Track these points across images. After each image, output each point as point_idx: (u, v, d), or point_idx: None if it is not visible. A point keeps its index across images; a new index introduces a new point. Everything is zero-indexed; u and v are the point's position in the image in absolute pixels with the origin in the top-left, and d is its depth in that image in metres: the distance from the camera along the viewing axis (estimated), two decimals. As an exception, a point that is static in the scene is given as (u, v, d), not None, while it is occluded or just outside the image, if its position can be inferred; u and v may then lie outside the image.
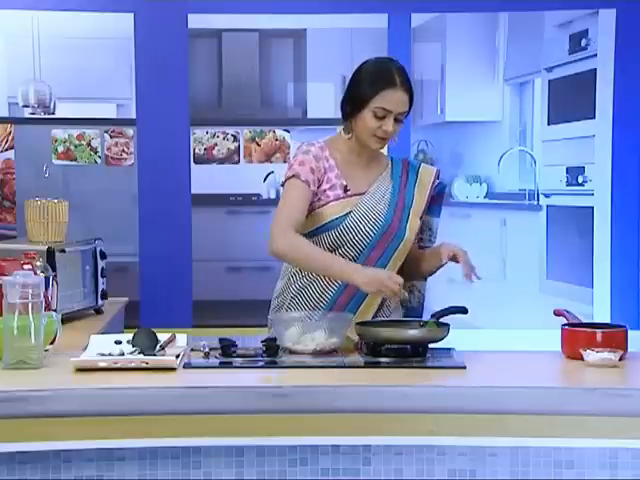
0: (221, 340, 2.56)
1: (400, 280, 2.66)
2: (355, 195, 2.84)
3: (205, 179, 4.83)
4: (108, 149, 4.76)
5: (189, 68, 4.76)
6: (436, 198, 2.99)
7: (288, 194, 2.82)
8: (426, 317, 2.84)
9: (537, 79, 5.29)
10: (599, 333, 2.54)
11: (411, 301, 2.98)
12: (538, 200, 5.13)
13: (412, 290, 2.98)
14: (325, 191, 2.83)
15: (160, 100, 4.70)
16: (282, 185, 2.89)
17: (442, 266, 2.86)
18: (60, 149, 4.75)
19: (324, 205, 2.82)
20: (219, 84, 4.89)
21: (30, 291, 2.37)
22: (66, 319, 3.11)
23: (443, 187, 3.02)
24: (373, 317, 2.84)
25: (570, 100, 5.00)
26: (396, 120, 2.79)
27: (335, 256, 2.80)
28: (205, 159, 4.82)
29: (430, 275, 2.97)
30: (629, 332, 2.58)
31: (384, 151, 2.99)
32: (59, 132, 4.76)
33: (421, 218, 2.90)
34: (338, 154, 2.88)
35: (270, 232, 2.78)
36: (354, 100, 2.81)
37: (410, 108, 2.83)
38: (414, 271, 2.92)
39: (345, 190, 2.84)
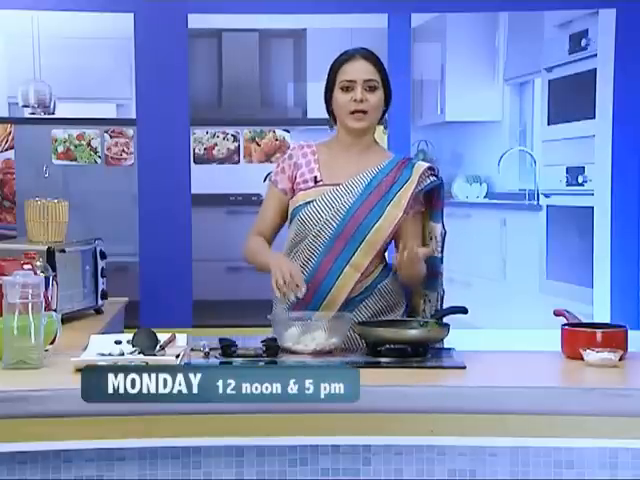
0: (221, 340, 2.56)
1: (287, 278, 2.65)
2: (327, 185, 2.85)
3: (205, 179, 4.83)
4: (108, 149, 4.76)
5: (189, 68, 4.76)
6: (431, 199, 2.90)
7: (264, 198, 3.00)
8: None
9: (537, 79, 5.30)
10: (599, 333, 2.54)
11: (425, 311, 2.92)
12: (538, 200, 5.14)
13: (426, 300, 2.93)
14: (299, 184, 2.88)
15: (160, 100, 4.70)
16: None
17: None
18: (60, 149, 4.75)
19: (294, 196, 2.88)
20: (219, 84, 4.89)
21: (30, 291, 2.37)
22: (66, 319, 3.11)
23: (437, 184, 2.88)
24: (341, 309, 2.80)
25: (570, 100, 5.00)
26: (370, 90, 2.81)
27: (266, 250, 2.87)
28: (205, 159, 4.82)
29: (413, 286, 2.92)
30: (629, 332, 2.58)
31: (384, 144, 2.98)
32: (59, 132, 4.76)
33: (407, 212, 2.82)
34: (326, 150, 2.91)
35: None
36: (326, 89, 2.88)
37: (386, 80, 2.85)
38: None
39: (315, 182, 2.86)
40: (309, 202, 2.83)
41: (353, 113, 2.82)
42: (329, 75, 2.88)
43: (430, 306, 2.93)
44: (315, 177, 2.86)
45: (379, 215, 2.81)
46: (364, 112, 2.82)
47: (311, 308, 2.79)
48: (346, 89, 2.82)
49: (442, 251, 2.92)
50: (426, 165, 2.90)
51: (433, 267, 2.88)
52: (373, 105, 2.82)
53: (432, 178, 2.88)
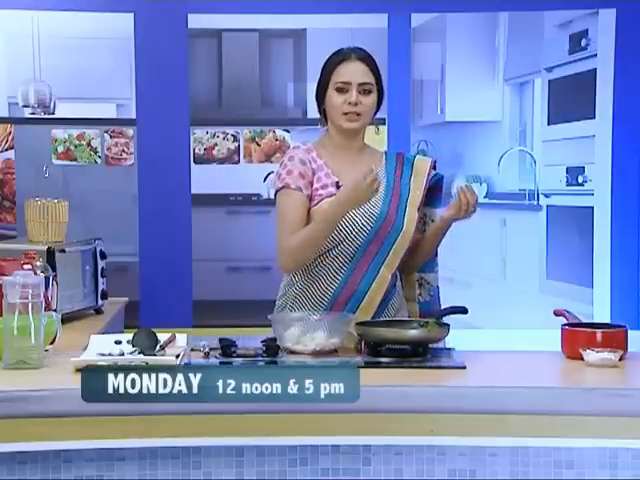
0: (221, 340, 2.56)
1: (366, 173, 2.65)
2: None
3: (205, 179, 4.83)
4: (108, 149, 4.76)
5: (189, 68, 4.76)
6: (435, 189, 2.96)
7: (283, 206, 2.83)
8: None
9: (537, 79, 5.29)
10: (599, 333, 2.54)
11: (422, 295, 2.97)
12: (538, 200, 5.13)
13: (422, 283, 2.98)
14: (317, 190, 2.84)
15: (160, 100, 4.70)
16: (275, 196, 2.89)
17: (444, 233, 2.87)
18: (60, 149, 4.75)
19: (317, 204, 2.83)
20: (219, 84, 4.89)
21: (30, 291, 2.37)
22: (66, 319, 3.11)
23: (440, 178, 2.97)
24: (377, 316, 2.83)
25: (570, 100, 5.00)
26: (364, 92, 2.81)
27: (319, 218, 2.77)
28: (205, 159, 4.82)
29: (430, 254, 2.95)
30: (629, 332, 2.58)
31: (374, 144, 2.99)
32: (59, 132, 4.76)
33: (419, 209, 2.88)
34: (326, 153, 2.90)
35: (277, 252, 2.82)
36: (319, 88, 2.88)
37: (379, 81, 2.85)
38: (416, 258, 2.93)
39: (337, 187, 2.84)
40: None
41: (346, 114, 2.82)
42: (323, 74, 2.88)
43: (428, 288, 2.96)
44: (337, 182, 2.84)
45: (403, 215, 2.85)
46: (358, 114, 2.82)
47: (348, 311, 2.80)
48: (341, 90, 2.82)
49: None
50: (430, 160, 2.96)
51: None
52: (367, 108, 2.83)
53: (433, 171, 2.95)
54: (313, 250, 2.80)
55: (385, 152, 2.98)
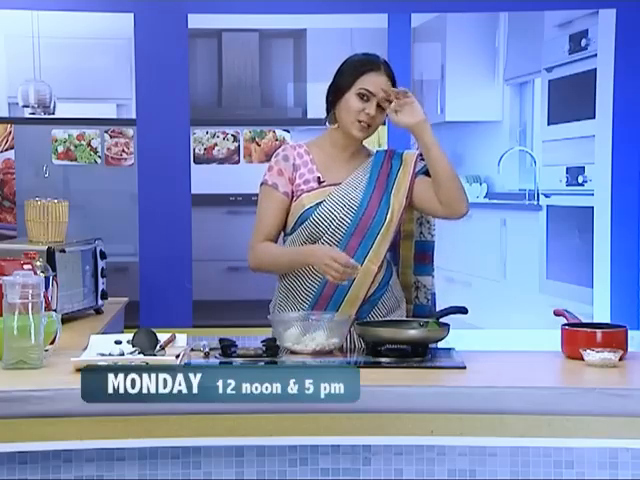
0: (221, 340, 2.56)
1: (343, 260, 2.64)
2: (330, 185, 2.86)
3: (205, 179, 4.83)
4: (108, 149, 4.77)
5: (189, 68, 4.76)
6: None
7: (260, 203, 2.93)
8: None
9: (537, 79, 5.30)
10: (599, 333, 2.54)
11: (419, 297, 2.97)
12: (538, 200, 5.14)
13: (418, 287, 2.97)
14: (300, 186, 2.86)
15: (160, 100, 4.70)
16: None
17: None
18: (60, 149, 4.75)
19: (297, 198, 2.86)
20: (219, 84, 4.89)
21: (30, 291, 2.37)
22: (66, 319, 3.11)
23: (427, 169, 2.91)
24: (364, 312, 2.81)
25: (570, 100, 5.00)
26: (379, 107, 2.81)
27: (294, 248, 2.84)
28: (205, 159, 4.82)
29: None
30: (629, 332, 2.58)
31: (374, 143, 2.99)
32: (59, 132, 4.76)
33: (407, 198, 2.86)
34: (318, 150, 2.91)
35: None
36: (339, 86, 2.85)
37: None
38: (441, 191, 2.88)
39: (319, 182, 2.86)
40: (319, 203, 2.83)
41: (360, 122, 2.82)
42: (345, 75, 2.84)
43: (425, 291, 2.96)
44: (318, 177, 2.86)
45: (387, 209, 2.84)
46: (369, 125, 2.83)
47: (331, 307, 2.80)
48: (362, 97, 2.81)
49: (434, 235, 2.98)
50: (417, 152, 2.93)
51: (424, 251, 2.95)
52: (378, 122, 2.85)
53: (423, 162, 2.91)
54: (274, 271, 2.93)
55: (376, 151, 2.97)
